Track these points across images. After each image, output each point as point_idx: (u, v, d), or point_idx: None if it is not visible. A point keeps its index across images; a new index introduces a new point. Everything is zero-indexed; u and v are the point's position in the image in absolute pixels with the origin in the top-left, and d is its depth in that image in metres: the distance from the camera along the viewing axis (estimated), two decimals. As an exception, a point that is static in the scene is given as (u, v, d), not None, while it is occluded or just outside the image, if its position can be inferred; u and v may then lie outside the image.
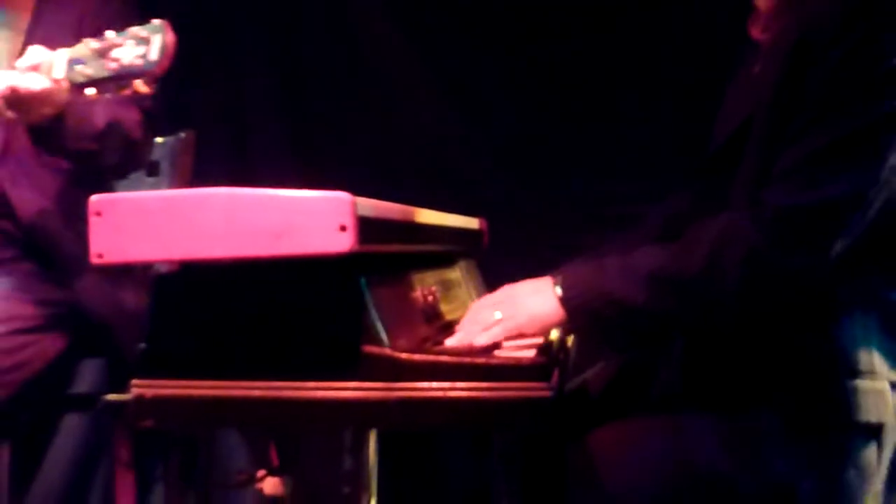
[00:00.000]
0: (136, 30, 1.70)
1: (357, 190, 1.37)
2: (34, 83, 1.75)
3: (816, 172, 1.29)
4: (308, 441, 2.05)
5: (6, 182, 1.95)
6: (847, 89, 1.29)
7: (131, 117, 1.98)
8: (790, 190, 1.30)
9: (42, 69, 1.76)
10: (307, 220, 1.31)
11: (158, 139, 2.26)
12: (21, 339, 1.87)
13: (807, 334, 1.34)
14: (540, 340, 1.47)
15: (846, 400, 1.30)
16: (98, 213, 1.40)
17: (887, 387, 1.32)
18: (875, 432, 1.31)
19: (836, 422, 1.31)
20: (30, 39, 1.94)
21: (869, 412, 1.30)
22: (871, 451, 1.31)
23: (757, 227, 1.30)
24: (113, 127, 1.93)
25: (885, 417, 1.31)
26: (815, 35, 1.31)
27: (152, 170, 2.29)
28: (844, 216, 1.28)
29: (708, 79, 1.66)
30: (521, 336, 1.46)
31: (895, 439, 1.32)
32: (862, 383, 1.31)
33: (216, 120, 2.70)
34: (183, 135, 2.32)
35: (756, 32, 1.50)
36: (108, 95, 1.77)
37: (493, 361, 1.36)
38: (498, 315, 1.46)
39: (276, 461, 1.73)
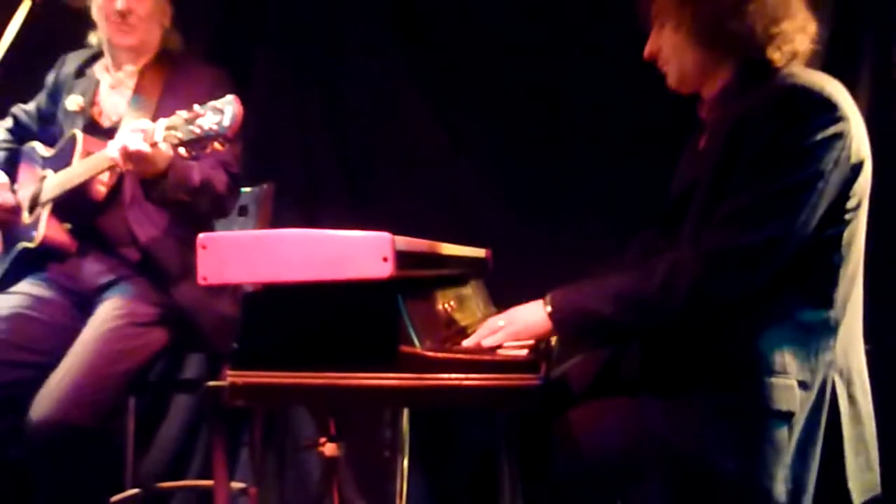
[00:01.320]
0: (213, 103, 1.70)
1: (395, 227, 1.37)
2: (136, 142, 1.75)
3: (745, 222, 1.28)
4: (358, 416, 2.04)
5: (132, 220, 1.94)
6: (771, 161, 1.28)
7: (220, 178, 1.96)
8: (726, 235, 1.29)
9: (146, 135, 1.76)
10: (359, 253, 1.32)
11: (246, 189, 2.26)
12: (138, 329, 1.86)
13: (733, 340, 1.33)
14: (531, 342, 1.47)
15: (762, 392, 1.29)
16: (204, 247, 1.40)
17: (795, 384, 1.30)
18: (786, 418, 1.30)
19: (755, 408, 1.30)
20: (156, 118, 1.94)
21: (780, 402, 1.29)
22: (783, 432, 1.29)
23: (699, 261, 1.29)
24: (205, 185, 1.91)
25: (794, 407, 1.30)
26: (750, 119, 1.30)
27: (242, 211, 2.29)
28: (765, 256, 1.28)
29: (667, 148, 1.65)
30: (518, 340, 1.45)
31: (802, 424, 1.31)
32: (775, 380, 1.30)
33: (290, 174, 2.70)
34: (265, 185, 2.32)
35: (703, 114, 1.49)
36: (190, 153, 1.76)
37: (497, 358, 1.36)
38: (501, 323, 1.46)
39: (333, 431, 1.72)
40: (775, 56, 1.35)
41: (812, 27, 1.39)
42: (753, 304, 1.31)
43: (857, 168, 1.32)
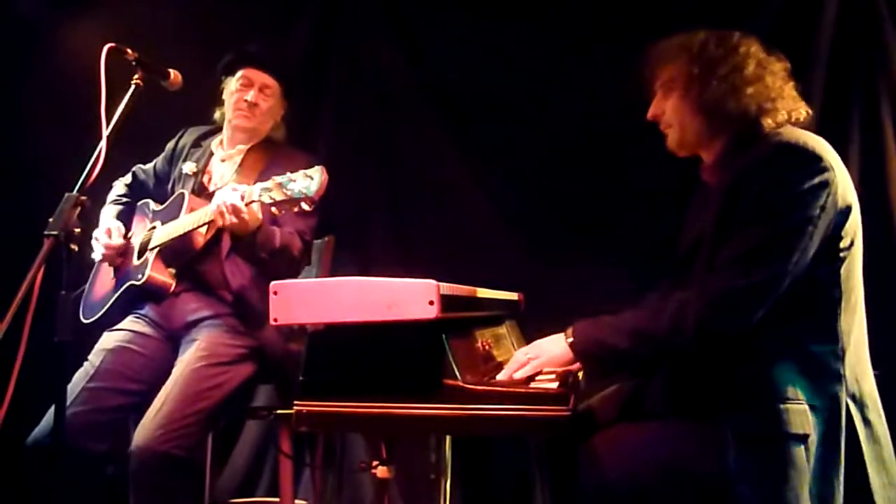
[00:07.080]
0: (304, 171, 1.73)
1: (437, 274, 1.38)
2: (233, 198, 1.80)
3: (742, 266, 1.28)
4: (407, 442, 2.03)
5: (227, 269, 1.98)
6: (764, 210, 1.28)
7: (296, 244, 2.00)
8: (725, 278, 1.29)
9: (245, 194, 1.81)
10: (408, 297, 1.33)
11: (310, 241, 2.31)
12: (221, 369, 1.87)
13: (747, 370, 1.31)
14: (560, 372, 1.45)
15: (779, 417, 1.27)
16: (275, 293, 1.43)
17: (808, 409, 1.28)
18: (803, 439, 1.27)
19: (773, 432, 1.27)
20: None
21: (795, 426, 1.27)
22: (801, 452, 1.26)
23: (702, 302, 1.29)
24: (284, 248, 1.95)
25: (808, 430, 1.27)
26: (743, 177, 1.31)
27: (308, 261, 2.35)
28: (761, 295, 1.27)
29: (678, 207, 1.65)
30: (544, 369, 1.44)
31: (819, 447, 1.28)
32: (790, 406, 1.28)
33: (346, 228, 2.73)
34: (326, 238, 2.34)
35: (705, 176, 1.50)
36: (280, 210, 1.79)
37: (530, 391, 1.35)
38: (528, 355, 1.45)
39: (385, 455, 1.71)
40: (766, 123, 1.36)
41: (801, 102, 1.40)
42: (765, 338, 1.29)
43: (845, 212, 1.31)
